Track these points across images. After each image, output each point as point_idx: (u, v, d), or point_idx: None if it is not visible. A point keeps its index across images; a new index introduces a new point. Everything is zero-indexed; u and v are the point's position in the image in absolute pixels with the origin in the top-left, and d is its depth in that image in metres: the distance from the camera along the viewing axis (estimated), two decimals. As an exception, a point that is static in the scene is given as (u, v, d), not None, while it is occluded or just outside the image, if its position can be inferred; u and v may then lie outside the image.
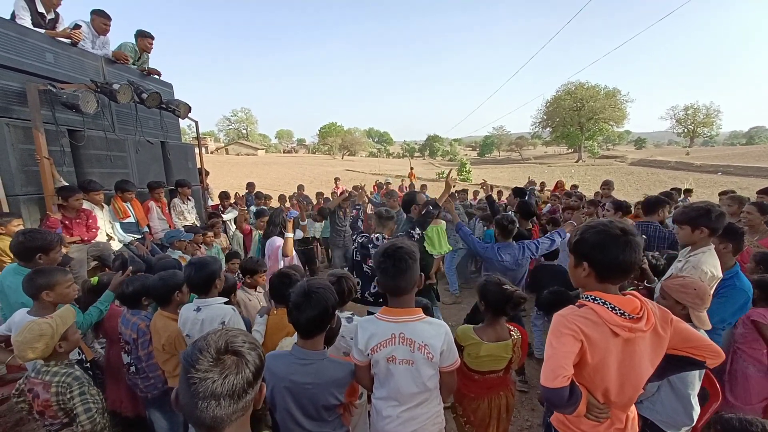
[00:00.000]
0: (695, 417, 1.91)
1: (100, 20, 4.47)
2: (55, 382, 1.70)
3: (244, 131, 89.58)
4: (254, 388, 0.89)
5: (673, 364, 1.38)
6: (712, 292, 2.13)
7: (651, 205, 3.73)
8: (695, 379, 1.88)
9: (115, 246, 4.11)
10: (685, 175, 25.49)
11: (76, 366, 1.84)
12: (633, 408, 1.42)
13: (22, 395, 1.77)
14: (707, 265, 2.08)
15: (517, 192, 6.53)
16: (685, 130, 67.31)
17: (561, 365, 1.20)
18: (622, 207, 4.31)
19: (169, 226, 4.88)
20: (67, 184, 3.76)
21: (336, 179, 11.25)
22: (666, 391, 1.90)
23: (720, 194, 5.22)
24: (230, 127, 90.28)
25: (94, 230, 3.77)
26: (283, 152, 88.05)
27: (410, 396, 1.59)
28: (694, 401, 1.89)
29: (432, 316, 1.67)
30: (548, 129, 56.53)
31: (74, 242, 3.55)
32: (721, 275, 2.13)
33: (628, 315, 1.24)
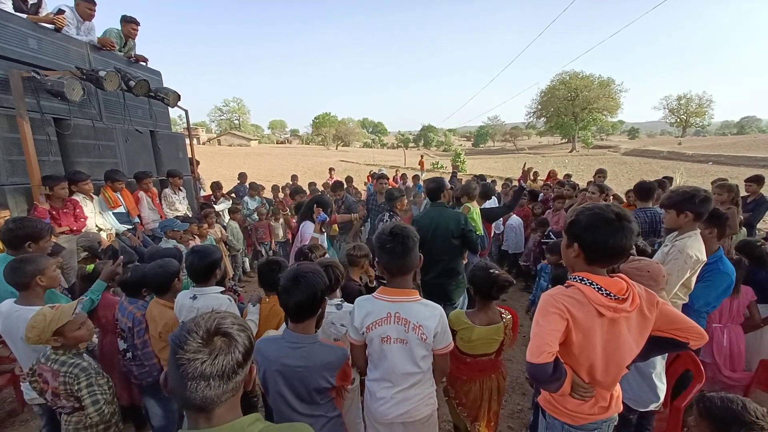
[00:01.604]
0: (661, 395, 2.00)
1: (85, 5, 4.35)
2: (62, 372, 1.73)
3: (237, 121, 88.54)
4: (244, 369, 0.90)
5: (658, 345, 1.42)
6: (696, 276, 2.18)
7: (645, 191, 3.79)
8: (657, 360, 1.97)
9: (104, 236, 4.07)
10: (677, 165, 25.70)
11: (85, 355, 1.85)
12: (617, 387, 1.46)
13: (34, 376, 1.80)
14: (692, 249, 2.12)
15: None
16: (678, 120, 67.73)
17: (546, 342, 1.24)
18: (605, 189, 4.54)
19: (160, 217, 4.84)
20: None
21: (330, 170, 11.23)
22: (632, 371, 1.97)
23: (712, 183, 5.28)
24: (222, 117, 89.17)
25: (82, 219, 3.73)
26: (277, 143, 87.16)
27: (404, 376, 1.62)
28: (657, 380, 1.98)
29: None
30: (542, 119, 56.50)
31: (63, 232, 3.51)
32: (705, 259, 2.18)
33: (614, 296, 1.26)
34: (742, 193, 4.43)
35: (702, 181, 15.96)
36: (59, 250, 2.98)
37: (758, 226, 5.56)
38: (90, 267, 2.69)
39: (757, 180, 4.84)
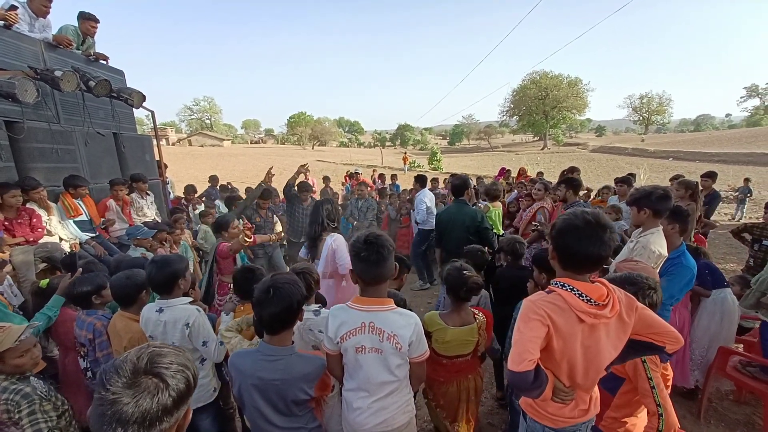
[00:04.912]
0: None
1: (40, 2, 4.07)
2: (3, 399, 1.59)
3: (208, 121, 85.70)
4: (174, 416, 0.80)
5: (635, 348, 1.42)
6: (659, 270, 2.29)
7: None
8: None
9: (66, 247, 3.84)
10: (641, 161, 27.01)
11: (32, 379, 1.71)
12: (596, 389, 1.48)
13: None
14: (655, 245, 2.23)
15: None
16: (640, 118, 71.03)
17: (527, 349, 1.22)
18: (548, 187, 4.77)
19: (129, 225, 4.62)
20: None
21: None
22: None
23: (671, 180, 5.58)
24: (192, 117, 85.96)
25: (39, 229, 3.48)
26: (251, 143, 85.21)
27: (380, 385, 1.60)
28: None
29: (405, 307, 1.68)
30: (515, 117, 57.95)
31: (18, 243, 3.28)
32: (666, 254, 2.28)
33: (594, 302, 1.26)
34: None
35: (664, 176, 16.84)
36: (3, 265, 2.78)
37: (712, 217, 5.92)
38: (44, 282, 2.50)
39: (711, 176, 5.20)
